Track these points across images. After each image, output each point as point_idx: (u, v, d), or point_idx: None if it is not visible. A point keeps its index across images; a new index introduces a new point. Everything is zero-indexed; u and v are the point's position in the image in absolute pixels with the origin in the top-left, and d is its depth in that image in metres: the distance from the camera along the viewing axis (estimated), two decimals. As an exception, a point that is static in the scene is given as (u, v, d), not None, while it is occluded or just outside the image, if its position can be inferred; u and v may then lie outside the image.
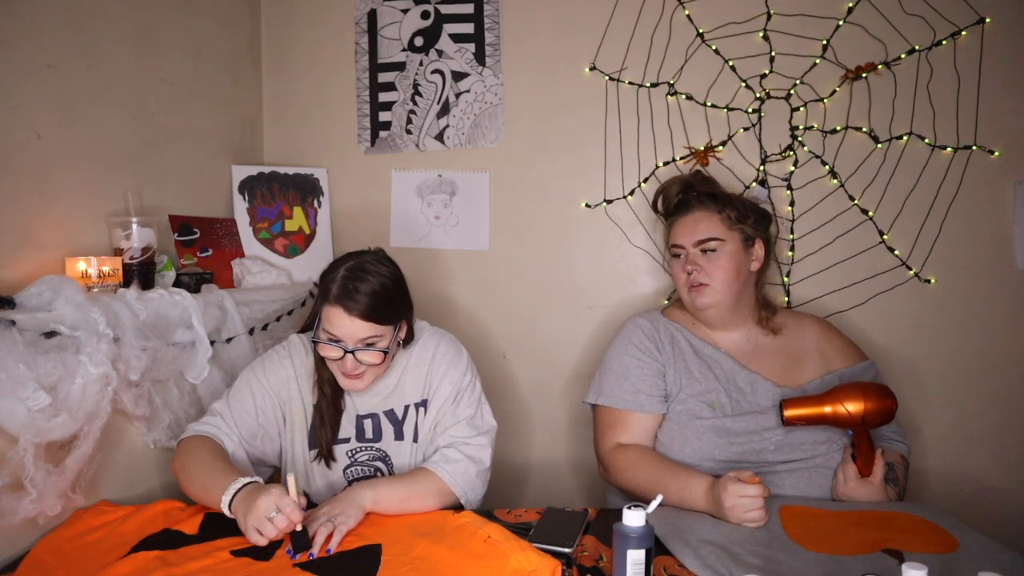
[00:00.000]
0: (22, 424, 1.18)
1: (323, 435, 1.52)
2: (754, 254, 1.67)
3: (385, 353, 1.44)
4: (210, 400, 1.64)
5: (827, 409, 1.44)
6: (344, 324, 1.39)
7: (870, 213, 2.07)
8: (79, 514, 1.36)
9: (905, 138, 2.04)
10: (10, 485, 1.19)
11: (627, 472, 1.56)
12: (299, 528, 1.22)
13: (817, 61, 2.06)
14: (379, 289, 1.41)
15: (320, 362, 1.50)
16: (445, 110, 2.22)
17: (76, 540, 1.28)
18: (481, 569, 1.16)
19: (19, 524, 1.22)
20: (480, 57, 2.20)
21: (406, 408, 1.56)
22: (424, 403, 1.56)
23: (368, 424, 1.55)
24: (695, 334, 1.68)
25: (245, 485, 1.27)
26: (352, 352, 1.41)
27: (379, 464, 1.56)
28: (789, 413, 1.46)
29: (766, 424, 1.54)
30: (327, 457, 1.53)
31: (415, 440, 1.56)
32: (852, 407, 1.41)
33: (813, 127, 2.08)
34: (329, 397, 1.52)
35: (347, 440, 1.55)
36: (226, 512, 1.27)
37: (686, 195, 1.72)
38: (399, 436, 1.56)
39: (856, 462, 1.47)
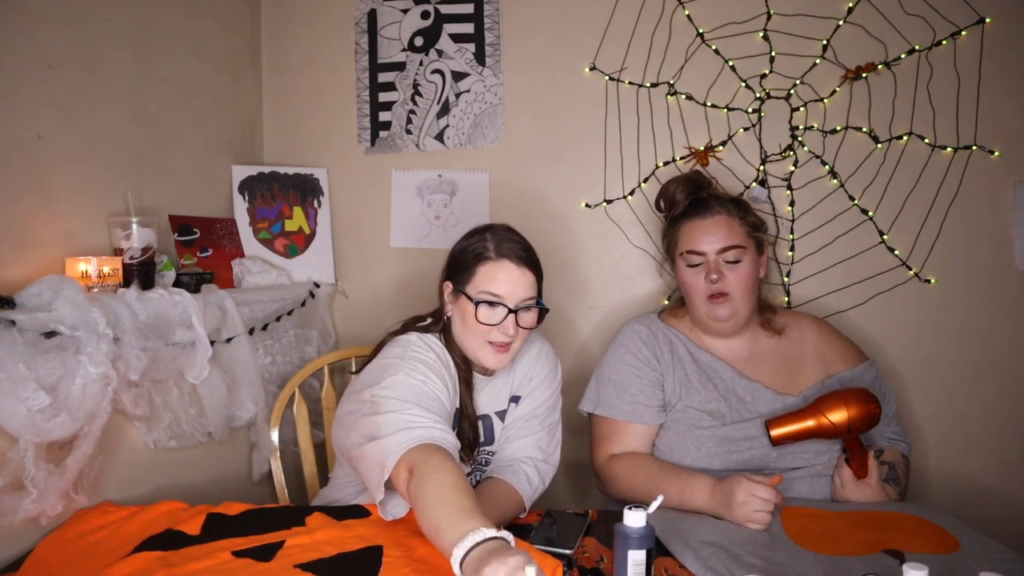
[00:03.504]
0: (22, 424, 1.17)
1: (466, 430, 1.44)
2: (762, 261, 1.65)
3: (543, 309, 1.43)
4: (210, 400, 1.64)
5: (811, 423, 1.42)
6: (512, 277, 1.38)
7: (870, 213, 2.07)
8: (82, 514, 1.36)
9: (905, 138, 2.04)
10: (11, 485, 1.19)
11: (625, 481, 1.55)
12: None
13: (817, 61, 2.06)
14: (528, 244, 1.43)
15: (453, 348, 1.45)
16: (445, 110, 2.22)
17: (79, 540, 1.28)
18: (482, 569, 1.16)
19: (20, 524, 1.22)
20: (480, 57, 2.20)
21: (508, 404, 1.55)
22: (516, 399, 1.55)
23: (480, 426, 1.52)
24: (693, 341, 1.66)
25: (480, 543, 0.96)
26: (515, 312, 1.38)
27: (486, 468, 1.54)
28: (775, 433, 1.44)
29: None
30: (472, 451, 1.46)
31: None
32: (835, 417, 1.40)
33: (813, 127, 2.08)
34: (465, 376, 1.46)
35: (473, 444, 1.50)
36: (456, 572, 0.97)
37: (698, 196, 1.64)
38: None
39: (850, 465, 1.47)
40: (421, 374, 1.34)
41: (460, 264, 1.44)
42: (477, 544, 0.96)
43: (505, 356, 1.41)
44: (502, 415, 1.55)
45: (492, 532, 0.97)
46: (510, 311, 1.38)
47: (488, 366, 1.44)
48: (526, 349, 1.57)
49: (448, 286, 1.47)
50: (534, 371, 1.56)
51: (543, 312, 1.46)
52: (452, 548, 0.98)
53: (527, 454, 1.50)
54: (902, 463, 1.58)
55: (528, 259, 1.41)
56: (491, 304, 1.38)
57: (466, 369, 1.47)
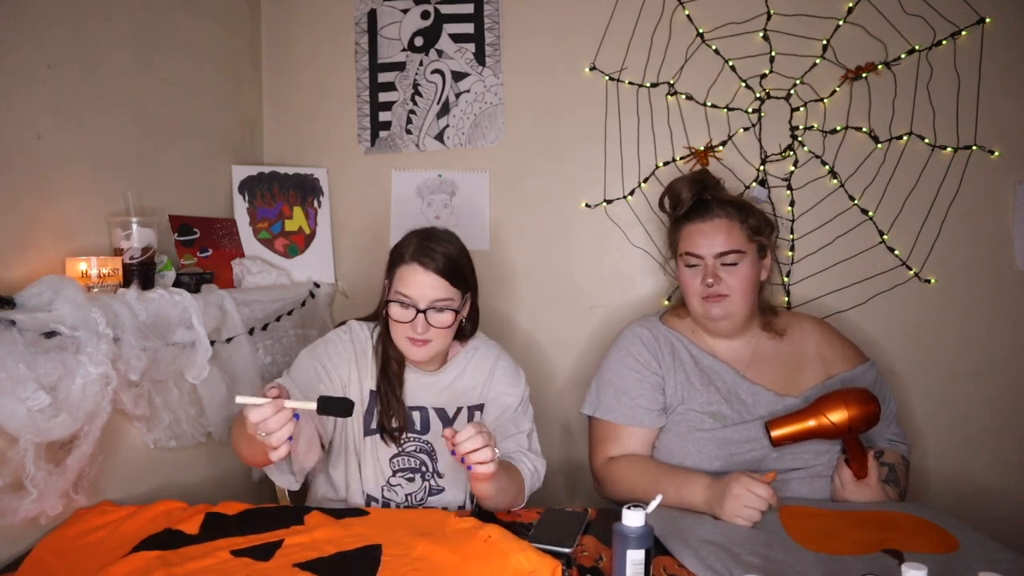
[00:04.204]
0: (22, 424, 1.17)
1: (388, 414, 1.53)
2: (764, 264, 1.64)
3: (456, 313, 1.48)
4: (210, 400, 1.64)
5: (811, 423, 1.42)
6: (420, 281, 1.46)
7: (870, 213, 2.07)
8: (81, 514, 1.36)
9: (905, 138, 2.04)
10: (11, 485, 1.19)
11: (623, 483, 1.55)
12: (294, 411, 1.16)
13: (817, 61, 2.06)
14: (453, 253, 1.50)
15: (386, 338, 1.54)
16: (445, 110, 2.22)
17: (78, 540, 1.28)
18: (481, 569, 1.16)
19: (20, 524, 1.22)
20: (480, 57, 2.20)
21: (458, 409, 1.58)
22: (479, 407, 1.59)
23: (417, 416, 1.57)
24: (694, 343, 1.65)
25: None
26: (424, 312, 1.45)
27: (424, 457, 1.57)
28: (776, 434, 1.43)
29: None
30: (395, 435, 1.54)
31: None
32: (836, 417, 1.40)
33: (813, 127, 2.08)
34: (396, 373, 1.55)
35: (397, 429, 1.56)
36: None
37: (702, 197, 1.63)
38: None
39: (850, 466, 1.47)
40: (314, 353, 1.54)
41: (390, 263, 1.55)
42: None
43: (424, 350, 1.49)
44: (442, 413, 1.57)
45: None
46: (418, 311, 1.46)
47: (411, 358, 1.54)
48: (481, 361, 1.61)
49: (386, 283, 1.57)
50: (491, 383, 1.60)
51: (475, 317, 1.59)
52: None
53: (512, 447, 1.54)
54: (902, 464, 1.58)
55: (440, 266, 1.47)
56: (402, 304, 1.47)
57: (398, 361, 1.56)
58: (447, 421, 1.58)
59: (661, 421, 1.59)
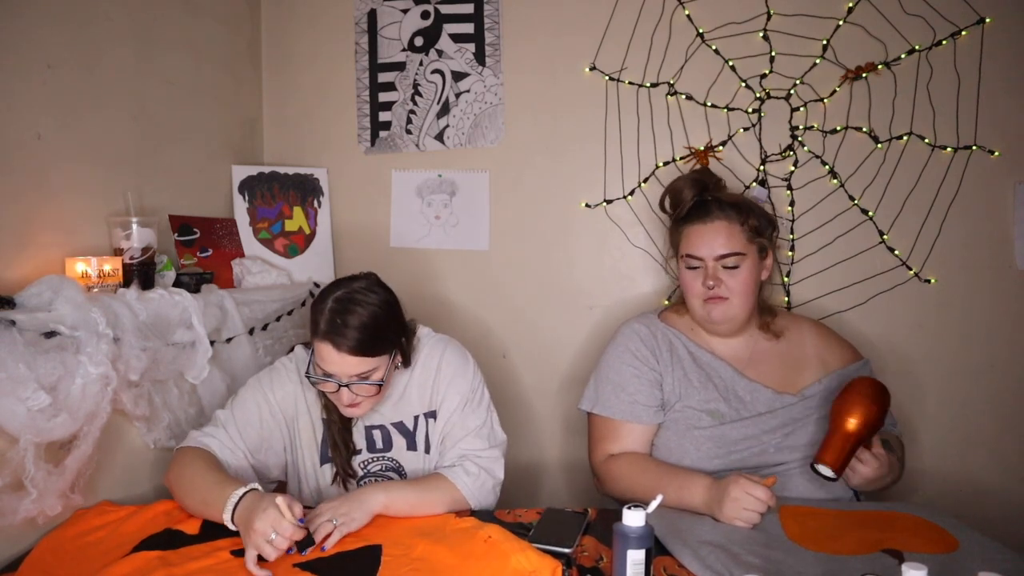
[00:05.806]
0: (22, 424, 1.17)
1: (336, 457, 1.51)
2: (765, 264, 1.63)
3: (379, 386, 1.42)
4: (210, 400, 1.64)
5: (853, 435, 1.38)
6: (335, 360, 1.36)
7: (870, 213, 2.07)
8: (81, 514, 1.36)
9: (905, 138, 2.04)
10: (11, 485, 1.19)
11: (623, 481, 1.55)
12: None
13: (817, 61, 2.06)
14: (369, 320, 1.35)
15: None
16: (445, 110, 2.22)
17: (78, 540, 1.28)
18: (482, 569, 1.16)
19: (20, 524, 1.22)
20: (480, 57, 2.20)
21: (415, 419, 1.55)
22: (433, 413, 1.54)
23: (377, 434, 1.54)
24: (693, 340, 1.65)
25: (243, 496, 1.25)
26: (347, 385, 1.39)
27: (392, 475, 1.55)
28: (830, 461, 1.37)
29: (764, 427, 1.54)
30: (344, 477, 1.52)
31: (427, 451, 1.55)
32: (869, 416, 1.38)
33: (813, 127, 2.08)
34: (338, 422, 1.51)
35: (358, 452, 1.54)
36: (230, 527, 1.25)
37: (702, 198, 1.63)
38: (412, 446, 1.55)
39: (871, 450, 1.43)
40: (259, 385, 1.51)
41: (310, 323, 1.42)
42: (236, 504, 1.24)
43: (358, 410, 1.44)
44: (400, 426, 1.55)
45: (243, 490, 1.26)
46: (340, 385, 1.39)
47: (345, 416, 1.48)
48: (427, 360, 1.54)
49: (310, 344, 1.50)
50: (439, 379, 1.53)
51: (408, 355, 1.49)
52: (221, 515, 1.25)
53: (458, 454, 1.49)
54: (896, 441, 1.61)
55: (353, 344, 1.34)
56: (324, 378, 1.40)
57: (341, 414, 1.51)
58: (408, 434, 1.54)
59: (659, 418, 1.59)
